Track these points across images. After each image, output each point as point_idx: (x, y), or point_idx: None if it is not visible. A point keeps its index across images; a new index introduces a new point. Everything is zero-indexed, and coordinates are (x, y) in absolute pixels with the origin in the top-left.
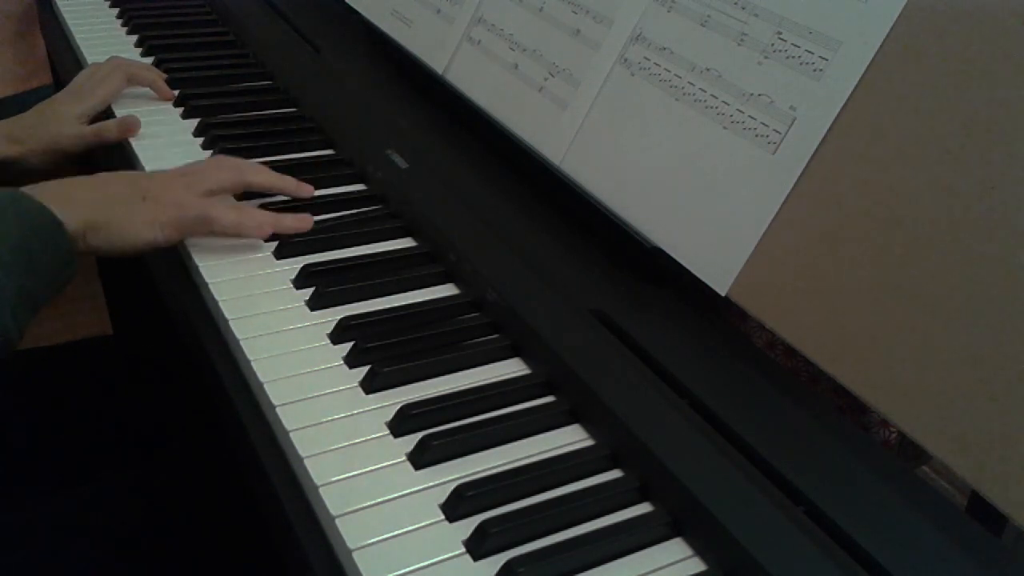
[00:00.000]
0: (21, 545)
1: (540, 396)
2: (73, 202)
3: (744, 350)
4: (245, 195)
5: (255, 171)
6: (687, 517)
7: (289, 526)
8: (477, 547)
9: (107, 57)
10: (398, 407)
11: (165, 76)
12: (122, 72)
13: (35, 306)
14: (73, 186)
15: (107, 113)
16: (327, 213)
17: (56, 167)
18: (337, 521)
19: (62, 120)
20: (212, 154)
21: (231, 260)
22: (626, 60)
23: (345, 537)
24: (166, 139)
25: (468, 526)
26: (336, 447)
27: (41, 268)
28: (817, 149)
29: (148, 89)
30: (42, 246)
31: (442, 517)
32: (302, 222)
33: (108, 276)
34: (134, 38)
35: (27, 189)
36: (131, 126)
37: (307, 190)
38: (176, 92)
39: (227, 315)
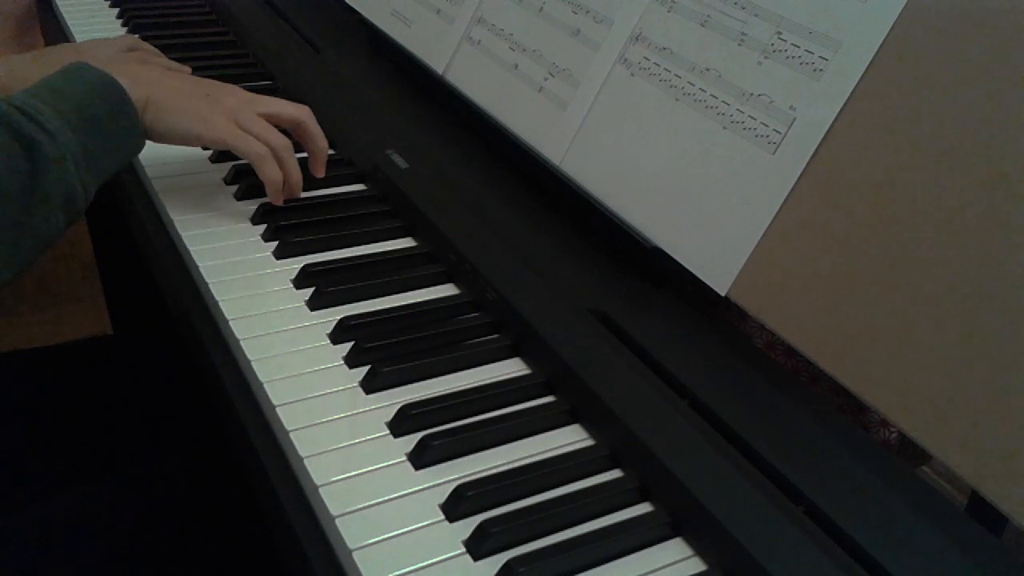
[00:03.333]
0: (21, 545)
1: (540, 396)
2: (139, 79)
3: (744, 350)
4: None
5: (314, 124)
6: (687, 517)
7: (289, 526)
8: (477, 547)
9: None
10: (398, 407)
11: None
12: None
13: (100, 171)
14: (144, 67)
15: None
16: (327, 213)
17: None
18: (337, 521)
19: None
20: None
21: (231, 260)
22: (626, 60)
23: (345, 537)
24: None
25: (468, 526)
26: (336, 447)
27: (106, 131)
28: (817, 149)
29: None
30: (107, 110)
31: (442, 517)
32: (276, 199)
33: (108, 276)
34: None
35: (97, 63)
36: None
37: (317, 173)
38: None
39: (227, 315)
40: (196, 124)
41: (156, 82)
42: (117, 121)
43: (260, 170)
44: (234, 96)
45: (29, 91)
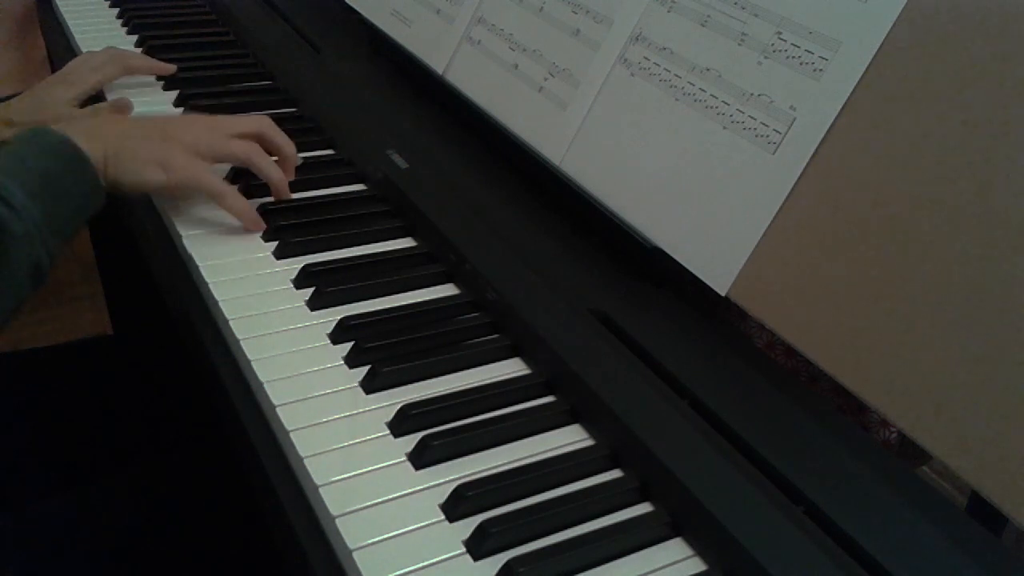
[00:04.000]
0: (21, 545)
1: (540, 396)
2: (96, 135)
3: (744, 350)
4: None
5: (272, 127)
6: (687, 517)
7: (289, 526)
8: (477, 547)
9: (84, 53)
10: (398, 407)
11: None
12: (119, 65)
13: (65, 234)
14: (101, 121)
15: (99, 97)
16: (327, 213)
17: None
18: (337, 521)
19: (54, 104)
20: None
21: (231, 260)
22: (626, 60)
23: (345, 537)
24: None
25: (468, 526)
26: (336, 447)
27: (67, 195)
28: (817, 149)
29: (144, 88)
30: (67, 174)
31: (442, 517)
32: (257, 225)
33: (108, 276)
34: (134, 38)
35: (55, 126)
36: (124, 107)
37: (288, 177)
38: (175, 92)
39: (227, 315)
40: (157, 172)
41: (112, 136)
42: (79, 184)
43: (223, 206)
44: (191, 128)
45: None
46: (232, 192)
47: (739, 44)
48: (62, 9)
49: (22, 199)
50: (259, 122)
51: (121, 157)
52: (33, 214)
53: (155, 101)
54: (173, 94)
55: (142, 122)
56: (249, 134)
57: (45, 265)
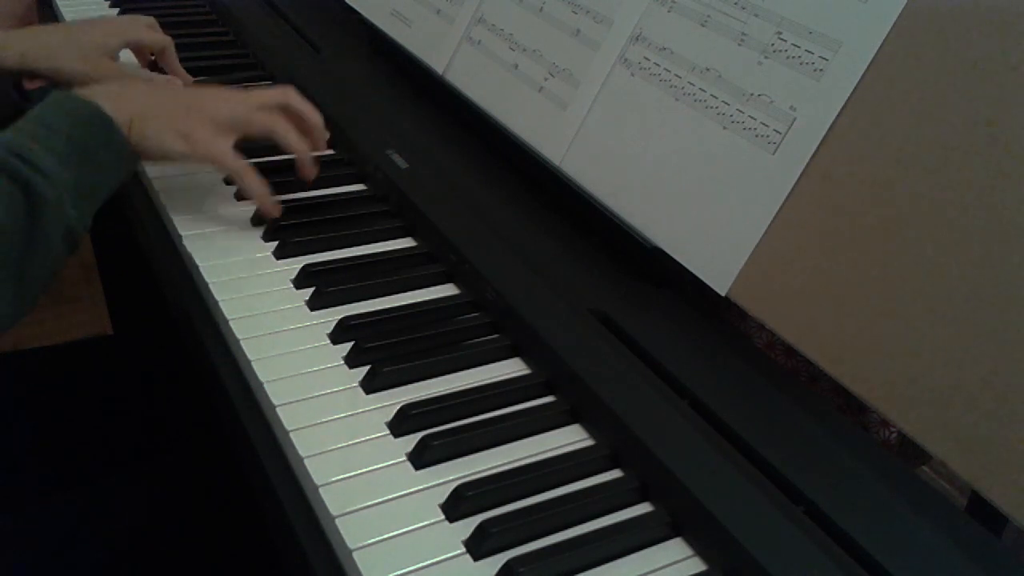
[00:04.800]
0: (21, 546)
1: (540, 396)
2: (121, 99)
3: (744, 350)
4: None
5: (300, 99)
6: (687, 517)
7: (289, 526)
8: (477, 547)
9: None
10: (398, 407)
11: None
12: (165, 40)
13: (96, 199)
14: (127, 85)
15: None
16: (327, 213)
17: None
18: (337, 521)
19: (88, 52)
20: None
21: (231, 260)
22: (626, 60)
23: (345, 537)
24: None
25: (468, 526)
26: (336, 447)
27: (97, 159)
28: (817, 149)
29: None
30: (95, 138)
31: (442, 517)
32: (271, 210)
33: (108, 276)
34: None
35: (79, 90)
36: (168, 45)
37: (321, 149)
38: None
39: (227, 315)
40: (180, 142)
41: (138, 100)
42: (107, 148)
43: (241, 185)
44: (216, 100)
45: (20, 131)
46: (250, 172)
47: (739, 44)
48: (62, 9)
49: (52, 164)
50: (283, 92)
51: (146, 124)
52: (64, 179)
53: None
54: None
55: (169, 91)
56: (273, 104)
57: (78, 230)
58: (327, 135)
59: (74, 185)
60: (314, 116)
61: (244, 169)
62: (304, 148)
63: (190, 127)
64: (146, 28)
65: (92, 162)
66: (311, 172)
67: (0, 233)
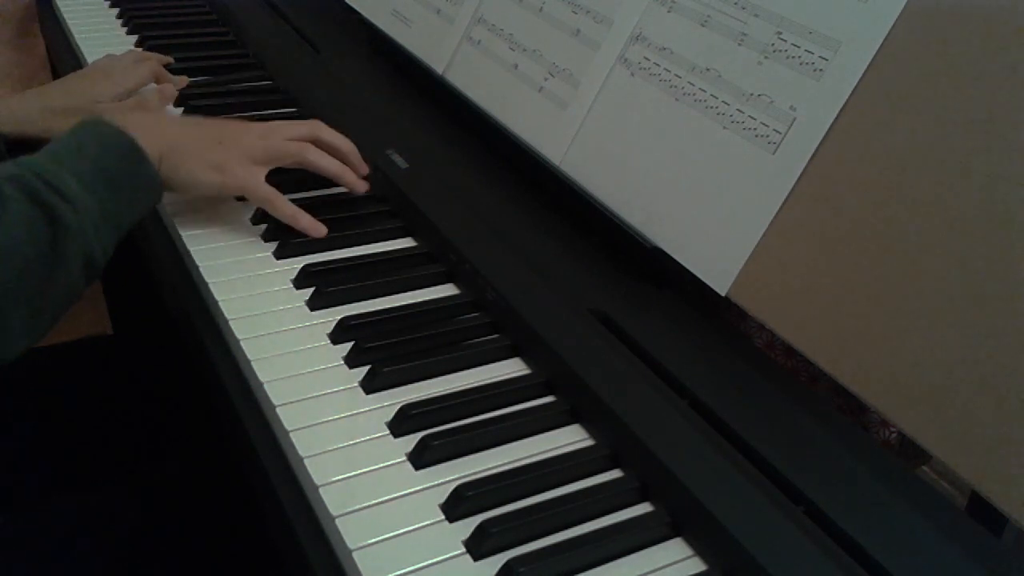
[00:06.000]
0: (21, 547)
1: (540, 396)
2: (152, 130)
3: (744, 350)
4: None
5: (330, 131)
6: (687, 517)
7: (289, 526)
8: (477, 547)
9: (105, 56)
10: (398, 407)
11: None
12: (150, 67)
13: (120, 228)
14: (158, 118)
15: None
16: (327, 213)
17: None
18: (337, 521)
19: (97, 99)
20: None
21: (231, 260)
22: (626, 60)
23: (345, 537)
24: None
25: (468, 526)
26: (336, 447)
27: (123, 189)
28: (817, 149)
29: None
30: (122, 166)
31: (442, 517)
32: (316, 228)
33: (108, 276)
34: (134, 38)
35: (113, 116)
36: (172, 95)
37: (362, 175)
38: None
39: (227, 315)
40: (213, 174)
41: (169, 133)
42: (135, 178)
43: (277, 213)
44: (246, 134)
45: (47, 153)
46: (282, 199)
47: (739, 44)
48: (62, 9)
49: (76, 190)
50: (312, 125)
51: (178, 156)
52: (88, 205)
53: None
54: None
55: (198, 123)
56: (301, 137)
57: (99, 259)
58: (364, 165)
59: (98, 213)
60: (346, 145)
61: (276, 197)
62: (341, 169)
63: (223, 159)
64: (133, 70)
65: (118, 191)
66: (361, 186)
67: (19, 257)
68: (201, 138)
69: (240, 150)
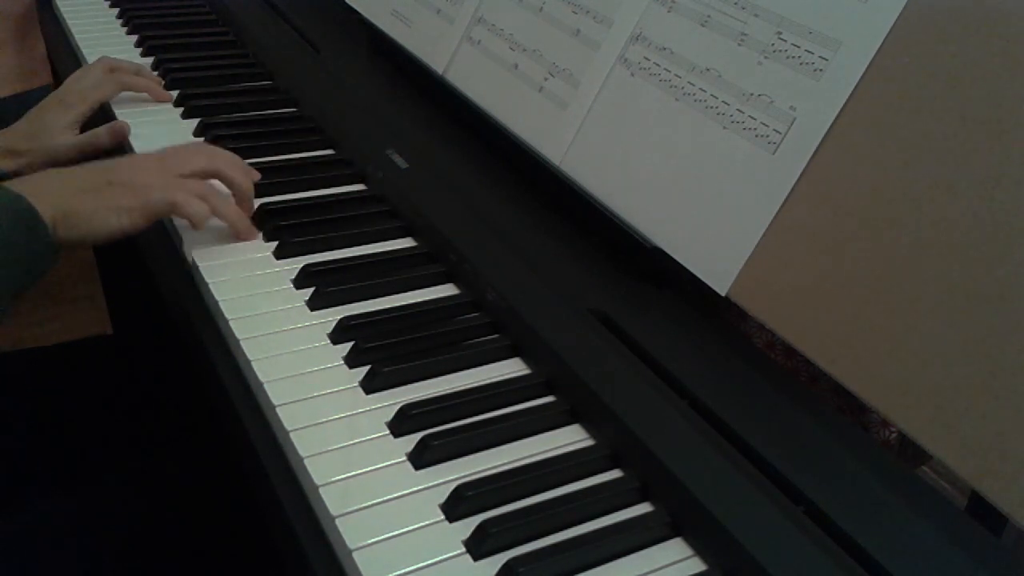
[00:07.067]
0: (20, 545)
1: (540, 396)
2: (44, 194)
3: (744, 350)
4: None
5: (227, 162)
6: (687, 517)
7: (289, 526)
8: (477, 547)
9: (79, 69)
10: (398, 407)
11: (159, 80)
12: (115, 82)
13: (15, 292)
14: (44, 178)
15: (106, 111)
16: (327, 213)
17: None
18: (337, 521)
19: (54, 131)
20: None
21: (231, 260)
22: (626, 60)
23: (345, 537)
24: (166, 140)
25: (468, 526)
26: (336, 447)
27: (22, 257)
28: (817, 149)
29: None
30: (22, 236)
31: (442, 517)
32: (251, 233)
33: (108, 276)
34: (134, 38)
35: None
36: (122, 131)
37: (250, 209)
38: (175, 92)
39: (227, 315)
40: (109, 219)
41: (59, 192)
42: (32, 246)
43: (181, 212)
44: (138, 169)
45: None
46: (191, 199)
47: (739, 44)
48: (62, 9)
49: None
50: (212, 160)
51: (73, 215)
52: None
53: (160, 107)
54: (173, 94)
55: (82, 172)
56: (200, 173)
57: None
58: (250, 206)
59: (3, 282)
60: (244, 182)
61: (182, 201)
62: (230, 212)
63: (119, 199)
64: (91, 91)
65: (17, 260)
66: (250, 235)
67: None
68: (90, 187)
69: (134, 187)
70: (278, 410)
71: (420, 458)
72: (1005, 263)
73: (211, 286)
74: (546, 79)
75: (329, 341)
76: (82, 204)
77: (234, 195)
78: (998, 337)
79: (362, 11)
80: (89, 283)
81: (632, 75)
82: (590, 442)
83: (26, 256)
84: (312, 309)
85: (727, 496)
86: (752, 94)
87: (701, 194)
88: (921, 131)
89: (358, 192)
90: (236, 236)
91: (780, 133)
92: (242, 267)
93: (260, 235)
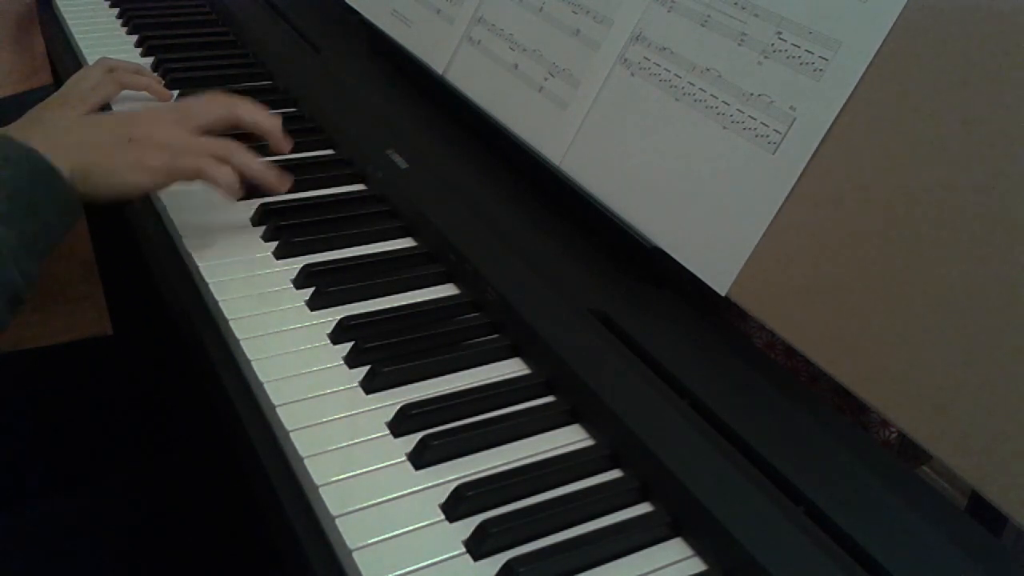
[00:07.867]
0: (20, 545)
1: (540, 396)
2: (60, 147)
3: (744, 350)
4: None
5: (247, 109)
6: (687, 517)
7: (289, 526)
8: (477, 547)
9: (76, 73)
10: (398, 407)
11: (159, 80)
12: (115, 82)
13: (42, 251)
14: (59, 131)
15: (106, 111)
16: (327, 213)
17: None
18: (337, 521)
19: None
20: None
21: (231, 260)
22: (626, 60)
23: (345, 537)
24: None
25: (468, 526)
26: (336, 447)
27: (42, 213)
28: (817, 149)
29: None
30: (40, 192)
31: (442, 517)
32: (283, 182)
33: (108, 276)
34: (134, 38)
35: (13, 133)
36: (131, 83)
37: (288, 144)
38: (175, 92)
39: (227, 315)
40: (131, 177)
41: (77, 144)
42: (51, 201)
43: (209, 179)
44: (157, 124)
45: None
46: (211, 163)
47: (739, 44)
48: (62, 9)
49: None
50: (228, 106)
51: (91, 168)
52: (6, 238)
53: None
54: (173, 94)
55: (102, 125)
56: (221, 122)
57: (23, 288)
58: (286, 142)
59: (17, 242)
60: (267, 122)
61: (204, 166)
62: (256, 167)
63: (140, 156)
64: (91, 93)
65: (36, 216)
66: (282, 184)
67: None
68: (111, 142)
69: (154, 143)
70: (278, 410)
71: (420, 458)
72: (1005, 263)
73: (211, 286)
74: (546, 79)
75: (329, 341)
76: (103, 159)
77: (266, 137)
78: (998, 337)
79: (362, 11)
80: (89, 283)
81: (632, 75)
82: (590, 442)
83: (48, 213)
84: (312, 309)
85: (727, 496)
86: (752, 94)
87: (701, 194)
88: (921, 131)
89: (358, 192)
90: (270, 189)
91: (780, 133)
92: (242, 267)
93: (287, 184)
